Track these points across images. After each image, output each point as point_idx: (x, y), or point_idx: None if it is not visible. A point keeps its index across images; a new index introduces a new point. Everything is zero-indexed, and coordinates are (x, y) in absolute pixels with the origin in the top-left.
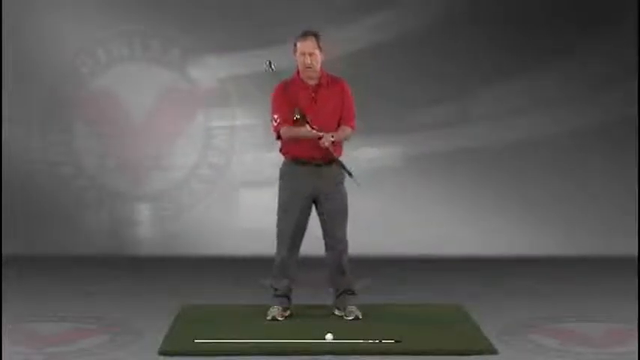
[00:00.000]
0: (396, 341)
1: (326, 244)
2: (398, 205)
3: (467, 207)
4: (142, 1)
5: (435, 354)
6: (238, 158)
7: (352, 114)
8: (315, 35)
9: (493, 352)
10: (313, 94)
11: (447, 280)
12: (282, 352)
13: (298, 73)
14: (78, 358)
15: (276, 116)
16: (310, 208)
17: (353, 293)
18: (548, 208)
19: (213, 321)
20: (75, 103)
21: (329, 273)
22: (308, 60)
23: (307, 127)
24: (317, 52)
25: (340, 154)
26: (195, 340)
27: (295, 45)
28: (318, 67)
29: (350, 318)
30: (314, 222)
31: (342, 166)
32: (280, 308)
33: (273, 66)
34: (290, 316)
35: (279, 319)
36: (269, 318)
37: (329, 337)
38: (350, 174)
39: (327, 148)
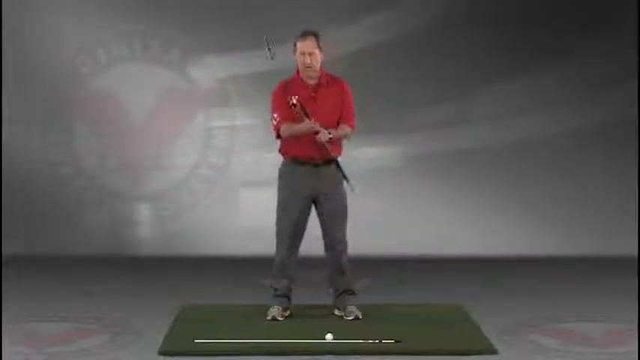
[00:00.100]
0: (396, 341)
1: (325, 244)
2: (398, 205)
3: (467, 207)
4: (142, 1)
5: (435, 354)
6: (238, 158)
7: (352, 113)
8: (315, 35)
9: (493, 352)
10: (313, 94)
11: (447, 280)
12: (282, 352)
13: (298, 73)
14: (78, 358)
15: (275, 115)
16: (310, 208)
17: (353, 293)
18: (548, 208)
19: (213, 321)
20: (75, 103)
21: (329, 273)
22: (308, 59)
23: (306, 120)
24: (317, 51)
25: (340, 153)
26: (195, 340)
27: (295, 45)
28: (317, 66)
29: (350, 318)
30: (314, 222)
31: (340, 169)
32: (280, 308)
33: (270, 47)
34: (290, 316)
35: (279, 319)
36: (269, 318)
37: (329, 337)
38: (346, 177)
39: (325, 148)
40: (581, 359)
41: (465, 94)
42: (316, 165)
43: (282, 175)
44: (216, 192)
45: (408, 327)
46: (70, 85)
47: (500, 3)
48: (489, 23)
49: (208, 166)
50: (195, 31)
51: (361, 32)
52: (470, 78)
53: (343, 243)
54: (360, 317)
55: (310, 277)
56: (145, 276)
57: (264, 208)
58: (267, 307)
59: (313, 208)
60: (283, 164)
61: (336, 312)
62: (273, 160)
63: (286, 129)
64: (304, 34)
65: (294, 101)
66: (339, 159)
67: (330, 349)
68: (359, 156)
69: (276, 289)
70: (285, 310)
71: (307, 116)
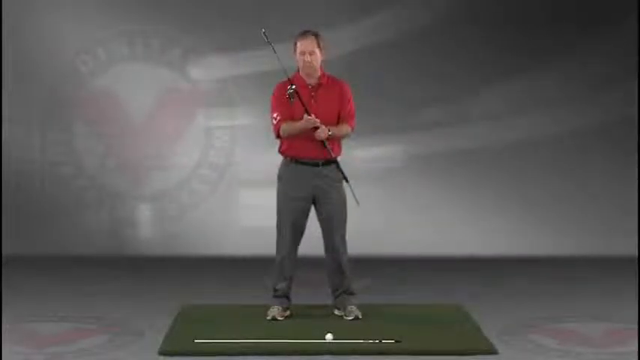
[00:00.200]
0: (396, 341)
1: (326, 245)
2: (398, 205)
3: (467, 207)
4: (141, 1)
5: (435, 354)
6: (238, 158)
7: (352, 114)
8: (316, 35)
9: (493, 352)
10: (313, 94)
11: (447, 280)
12: (282, 352)
13: (298, 73)
14: (78, 358)
15: (275, 115)
16: (309, 207)
17: (353, 293)
18: (548, 208)
19: (213, 321)
20: (75, 103)
21: (329, 273)
22: (308, 58)
23: (305, 116)
24: (317, 51)
25: (339, 153)
26: (195, 340)
27: (295, 44)
28: (317, 65)
29: (350, 318)
30: (314, 222)
31: (340, 171)
32: (280, 308)
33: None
34: (290, 316)
35: (279, 319)
36: (269, 318)
37: (329, 337)
38: (346, 179)
39: (324, 147)
40: (581, 359)
41: (465, 94)
42: (316, 165)
43: (282, 175)
44: (217, 192)
45: (408, 327)
46: (70, 85)
47: (500, 3)
48: (489, 23)
49: (208, 166)
50: (196, 31)
51: (361, 32)
52: (470, 78)
53: (343, 243)
54: (360, 317)
55: (310, 277)
56: (145, 276)
57: (264, 208)
58: (267, 307)
59: (313, 209)
60: (283, 164)
61: (336, 312)
62: (273, 160)
63: (286, 128)
64: (304, 34)
65: (291, 90)
66: (340, 161)
67: (330, 349)
68: (359, 156)
69: (276, 290)
70: (285, 310)
71: (306, 111)
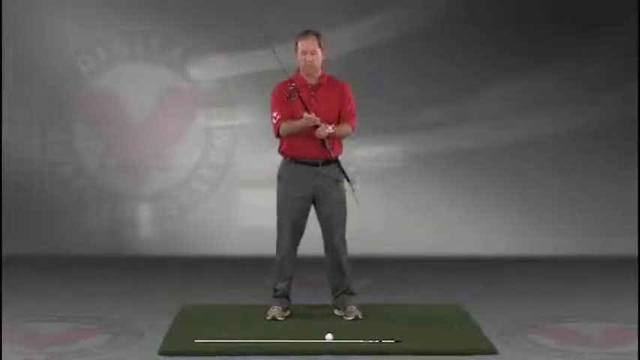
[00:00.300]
0: (396, 341)
1: (325, 245)
2: (398, 205)
3: (467, 207)
4: (141, 1)
5: (435, 354)
6: (238, 158)
7: (352, 114)
8: (317, 34)
9: (493, 352)
10: (313, 93)
11: (447, 280)
12: (282, 352)
13: (298, 72)
14: (78, 358)
15: (275, 114)
16: (309, 207)
17: (352, 293)
18: (548, 208)
19: (213, 321)
20: (75, 103)
21: (329, 273)
22: (309, 58)
23: (304, 114)
24: (318, 50)
25: (340, 153)
26: (195, 340)
27: (297, 44)
28: (318, 65)
29: (350, 318)
30: (314, 222)
31: (343, 171)
32: (280, 308)
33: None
34: (290, 316)
35: (279, 319)
36: (269, 318)
37: (329, 337)
38: (348, 179)
39: (324, 147)
40: (581, 359)
41: (465, 94)
42: (316, 164)
43: (282, 174)
44: (217, 192)
45: (408, 327)
46: (70, 85)
47: (500, 3)
48: (489, 23)
49: (208, 166)
50: (196, 31)
51: (361, 32)
52: (470, 78)
53: (343, 243)
54: (360, 317)
55: (310, 277)
56: (145, 276)
57: (264, 208)
58: (267, 307)
59: (313, 208)
60: (283, 164)
61: (336, 312)
62: (273, 160)
63: (286, 127)
64: (306, 33)
65: (292, 87)
66: (341, 160)
67: (330, 349)
68: (359, 156)
69: (276, 290)
70: (285, 310)
71: (306, 109)
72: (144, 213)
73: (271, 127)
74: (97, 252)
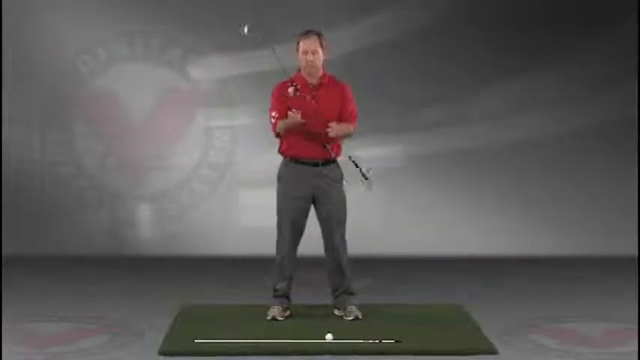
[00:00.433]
0: (396, 341)
1: (325, 245)
2: (398, 205)
3: (467, 207)
4: (141, 1)
5: (435, 354)
6: (238, 158)
7: (354, 114)
8: (318, 34)
9: (493, 352)
10: (314, 93)
11: (447, 280)
12: (282, 352)
13: (299, 72)
14: (78, 358)
15: (273, 114)
16: (309, 207)
17: (353, 293)
18: (548, 208)
19: (213, 321)
20: (75, 103)
21: (328, 273)
22: (310, 57)
23: (289, 114)
24: (319, 50)
25: (339, 153)
26: (195, 340)
27: (298, 44)
28: (320, 65)
29: (350, 318)
30: (314, 222)
31: (357, 165)
32: (280, 308)
33: (246, 30)
34: (290, 316)
35: (279, 319)
36: (269, 318)
37: (329, 337)
38: (365, 176)
39: (324, 147)
40: (581, 359)
41: (465, 94)
42: (316, 164)
43: (282, 174)
44: (217, 192)
45: (408, 327)
46: (70, 85)
47: (500, 3)
48: (489, 23)
49: (208, 166)
50: (196, 31)
51: (361, 32)
52: (470, 78)
53: (343, 243)
54: (360, 317)
55: (310, 277)
56: (145, 276)
57: (264, 208)
58: (267, 307)
59: (313, 209)
60: (283, 163)
61: (336, 312)
62: (273, 160)
63: (281, 125)
64: (307, 33)
65: (292, 90)
66: (340, 160)
67: (330, 349)
68: (359, 156)
69: (276, 290)
70: (285, 310)
71: (289, 108)
72: (144, 213)
73: (270, 126)
74: (97, 252)
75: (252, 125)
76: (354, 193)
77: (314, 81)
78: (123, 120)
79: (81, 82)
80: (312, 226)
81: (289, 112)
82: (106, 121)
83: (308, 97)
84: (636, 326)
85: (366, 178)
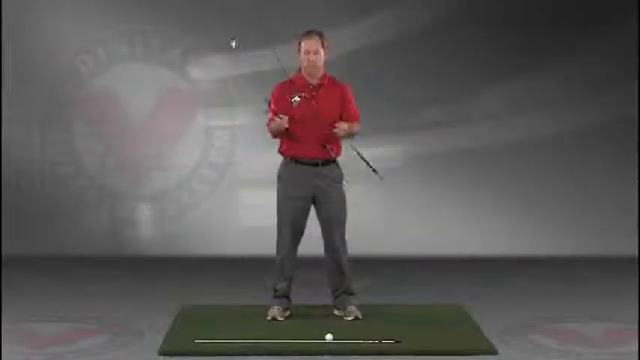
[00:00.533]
0: (396, 341)
1: (325, 245)
2: (398, 205)
3: (467, 207)
4: (141, 1)
5: (435, 354)
6: (238, 158)
7: (357, 115)
8: (320, 34)
9: (493, 352)
10: (314, 93)
11: (447, 280)
12: (282, 352)
13: (299, 72)
14: (78, 358)
15: (270, 114)
16: (309, 207)
17: (353, 293)
18: (548, 208)
19: (213, 321)
20: (75, 103)
21: (329, 273)
22: (312, 57)
23: (276, 117)
24: (321, 50)
25: (339, 153)
26: (195, 340)
27: (299, 44)
28: (321, 65)
29: (350, 318)
30: (314, 222)
31: (363, 159)
32: (280, 308)
33: (234, 43)
34: (290, 316)
35: (279, 319)
36: (269, 318)
37: (329, 337)
38: (375, 170)
39: (324, 147)
40: (581, 359)
41: (465, 94)
42: (316, 164)
43: (282, 175)
44: (217, 192)
45: (408, 327)
46: (70, 85)
47: (500, 3)
48: (489, 23)
49: (208, 166)
50: (196, 31)
51: (361, 32)
52: (470, 78)
53: (343, 243)
54: (360, 317)
55: (310, 277)
56: (145, 276)
57: (264, 208)
58: (267, 307)
59: (313, 209)
60: (283, 164)
61: (336, 312)
62: (273, 160)
63: (273, 127)
64: (309, 33)
65: (296, 98)
66: (340, 161)
67: (330, 349)
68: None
69: (276, 290)
70: (285, 310)
71: (276, 114)
72: (144, 213)
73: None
74: (97, 252)
75: (252, 125)
76: (354, 193)
77: (314, 81)
78: (123, 120)
79: (81, 82)
80: (312, 226)
81: (275, 118)
82: (106, 121)
83: (313, 102)
84: (636, 326)
85: (375, 171)
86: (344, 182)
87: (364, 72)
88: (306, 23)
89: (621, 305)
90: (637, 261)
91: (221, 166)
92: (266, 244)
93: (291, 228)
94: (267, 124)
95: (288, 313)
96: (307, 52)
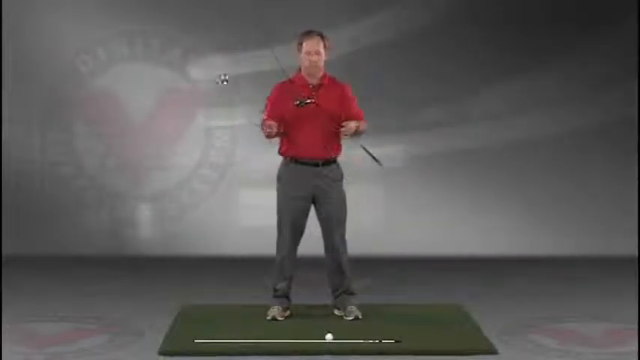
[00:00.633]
0: (396, 341)
1: (326, 245)
2: (398, 205)
3: (467, 207)
4: (141, 1)
5: (435, 354)
6: (238, 158)
7: (361, 114)
8: (321, 35)
9: (493, 352)
10: (314, 93)
11: (447, 280)
12: (282, 352)
13: (299, 72)
14: (78, 358)
15: (265, 116)
16: (309, 207)
17: (353, 293)
18: (548, 208)
19: (213, 321)
20: (75, 103)
21: (329, 273)
22: (314, 58)
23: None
24: (322, 51)
25: (339, 153)
26: (195, 340)
27: (300, 44)
28: (322, 65)
29: (350, 318)
30: (314, 222)
31: (367, 151)
32: (280, 308)
33: (223, 79)
34: (290, 316)
35: (279, 319)
36: (269, 318)
37: (329, 337)
38: (378, 162)
39: (324, 147)
40: (581, 359)
41: (465, 94)
42: (316, 164)
43: (282, 175)
44: (217, 192)
45: (408, 327)
46: (70, 85)
47: (500, 3)
48: (489, 23)
49: (208, 166)
50: (196, 31)
51: (361, 32)
52: (470, 78)
53: (343, 243)
54: (360, 317)
55: (310, 277)
56: (145, 276)
57: (264, 208)
58: (267, 307)
59: (313, 209)
60: (283, 164)
61: (336, 312)
62: (273, 160)
63: (264, 131)
64: (310, 33)
65: (298, 102)
66: (340, 161)
67: (330, 349)
68: (359, 156)
69: (276, 290)
70: (285, 310)
71: (264, 120)
72: (144, 213)
73: None
74: (97, 252)
75: (252, 125)
76: (354, 193)
77: (314, 81)
78: (123, 120)
79: (81, 82)
80: (312, 226)
81: (266, 122)
82: (106, 121)
83: (315, 103)
84: (636, 326)
85: (375, 158)
86: (344, 182)
87: (364, 72)
88: (306, 23)
89: (621, 305)
90: (637, 261)
91: (221, 166)
92: (266, 244)
93: (291, 228)
94: (261, 127)
95: (288, 313)
96: (309, 53)
